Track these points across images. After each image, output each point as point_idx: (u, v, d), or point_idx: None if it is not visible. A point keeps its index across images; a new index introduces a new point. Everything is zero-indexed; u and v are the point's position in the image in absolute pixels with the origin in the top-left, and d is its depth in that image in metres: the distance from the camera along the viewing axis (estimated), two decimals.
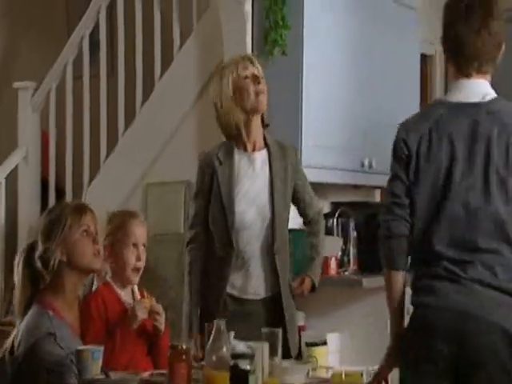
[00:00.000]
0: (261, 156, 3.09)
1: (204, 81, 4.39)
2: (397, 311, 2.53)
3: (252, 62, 3.06)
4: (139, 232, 2.84)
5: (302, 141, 3.97)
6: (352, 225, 4.33)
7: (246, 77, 3.00)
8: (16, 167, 4.96)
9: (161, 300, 4.30)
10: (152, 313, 2.68)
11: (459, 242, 2.35)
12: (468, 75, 2.38)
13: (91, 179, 4.82)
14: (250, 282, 3.06)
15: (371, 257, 4.37)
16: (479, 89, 2.38)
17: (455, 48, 2.40)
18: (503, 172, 2.35)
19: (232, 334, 2.53)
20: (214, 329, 2.30)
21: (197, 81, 4.41)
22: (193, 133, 4.45)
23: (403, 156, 2.41)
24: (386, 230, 2.47)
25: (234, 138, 3.09)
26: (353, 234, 4.33)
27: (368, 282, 3.88)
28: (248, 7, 4.05)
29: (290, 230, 4.08)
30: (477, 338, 2.28)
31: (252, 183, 3.07)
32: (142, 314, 2.62)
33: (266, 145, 3.12)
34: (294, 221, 4.31)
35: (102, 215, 4.55)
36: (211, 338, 2.28)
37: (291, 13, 3.92)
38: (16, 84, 5.01)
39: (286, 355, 3.04)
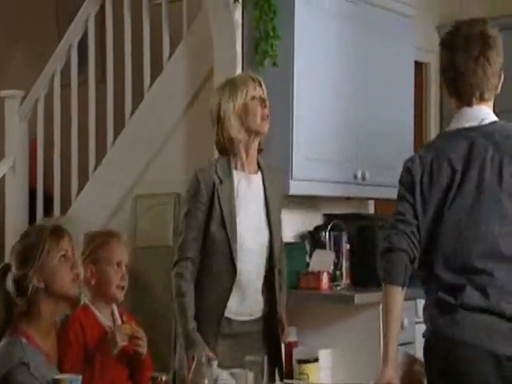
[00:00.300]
0: (257, 178, 3.03)
1: (194, 90, 4.33)
2: (392, 328, 2.47)
3: (260, 85, 3.03)
4: (122, 251, 2.79)
5: (292, 153, 3.91)
6: (345, 238, 4.27)
7: (254, 97, 2.96)
8: (3, 177, 4.89)
9: (151, 315, 4.32)
10: (133, 338, 2.60)
11: (454, 264, 2.40)
12: (470, 103, 2.45)
13: (80, 189, 4.76)
14: (244, 303, 2.98)
15: (364, 270, 4.34)
16: (479, 114, 2.46)
17: (456, 78, 2.45)
18: (496, 191, 2.40)
19: (215, 362, 2.46)
20: (194, 362, 2.23)
21: (186, 90, 4.35)
22: (182, 143, 4.39)
23: (408, 183, 2.52)
24: (387, 243, 2.46)
25: (229, 156, 3.00)
26: (345, 246, 4.27)
27: (360, 298, 3.82)
28: (238, 16, 3.99)
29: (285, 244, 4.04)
30: (470, 366, 2.30)
31: (250, 204, 2.99)
32: (121, 341, 2.55)
33: (260, 168, 3.06)
34: (288, 234, 4.28)
35: (89, 226, 4.55)
36: (192, 370, 2.21)
37: (282, 23, 3.86)
38: (3, 92, 4.95)
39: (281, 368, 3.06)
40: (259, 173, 3.03)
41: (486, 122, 2.45)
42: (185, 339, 2.81)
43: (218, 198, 2.89)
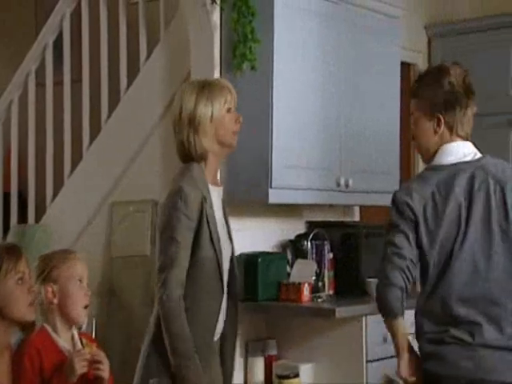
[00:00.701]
0: (220, 192, 2.85)
1: (172, 93, 4.17)
2: (403, 346, 2.60)
3: (234, 96, 2.80)
4: (83, 267, 2.67)
5: (271, 160, 3.79)
6: (327, 247, 4.15)
7: (230, 110, 2.75)
8: None
9: (126, 328, 4.20)
10: (93, 362, 2.47)
11: (468, 299, 2.48)
12: (460, 137, 2.62)
13: (55, 195, 4.63)
14: (218, 323, 2.79)
15: (348, 279, 4.23)
16: (470, 149, 2.63)
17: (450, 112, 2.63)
18: (504, 224, 2.54)
19: None
20: None
21: (164, 93, 4.22)
22: (160, 148, 4.26)
23: (410, 218, 2.54)
24: (383, 278, 2.53)
25: (200, 165, 2.76)
26: (328, 256, 4.15)
27: (341, 311, 3.71)
28: (216, 18, 3.86)
29: (258, 254, 3.93)
30: None
31: (220, 219, 2.80)
32: (80, 368, 2.42)
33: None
34: (269, 243, 4.17)
35: (64, 234, 4.44)
36: None
37: (261, 25, 3.73)
38: None
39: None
40: (221, 186, 2.85)
41: (478, 156, 2.60)
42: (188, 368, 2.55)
43: (207, 215, 2.65)
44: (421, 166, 5.29)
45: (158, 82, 4.24)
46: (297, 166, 3.89)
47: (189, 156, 2.73)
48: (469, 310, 2.46)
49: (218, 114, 2.69)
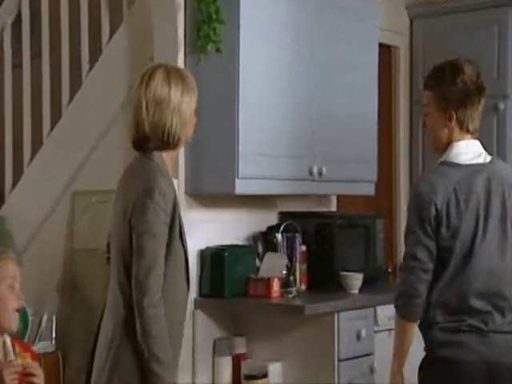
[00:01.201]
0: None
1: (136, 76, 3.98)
2: (404, 355, 2.77)
3: None
4: (15, 268, 2.50)
5: (238, 149, 3.61)
6: (299, 239, 3.97)
7: (196, 108, 2.64)
8: None
9: (88, 325, 4.01)
10: (26, 375, 2.30)
11: (482, 294, 2.69)
12: (469, 133, 2.78)
13: (14, 184, 4.44)
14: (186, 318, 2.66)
15: (322, 272, 4.06)
16: (480, 149, 2.80)
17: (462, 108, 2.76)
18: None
19: None
20: None
21: (127, 77, 4.03)
22: (123, 135, 4.04)
23: (432, 218, 2.67)
24: (413, 290, 2.69)
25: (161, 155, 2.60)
26: (300, 248, 3.98)
27: (311, 308, 3.55)
28: None
29: (225, 247, 3.75)
30: (506, 378, 2.69)
31: None
32: (10, 382, 2.24)
33: None
34: (239, 235, 3.99)
35: (24, 226, 4.25)
36: None
37: (226, 5, 3.54)
38: None
39: None
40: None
41: (488, 159, 2.79)
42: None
43: (179, 212, 2.52)
44: (402, 154, 5.19)
45: (121, 65, 4.06)
46: (266, 154, 3.71)
47: (163, 143, 2.54)
48: (482, 302, 2.68)
49: (193, 107, 2.61)
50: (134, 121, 2.56)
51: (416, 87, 4.98)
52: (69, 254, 4.16)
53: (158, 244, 2.41)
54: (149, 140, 2.53)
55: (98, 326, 2.62)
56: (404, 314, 2.70)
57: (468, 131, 2.76)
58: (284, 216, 4.22)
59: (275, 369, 3.71)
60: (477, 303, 2.67)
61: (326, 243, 4.11)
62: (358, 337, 3.70)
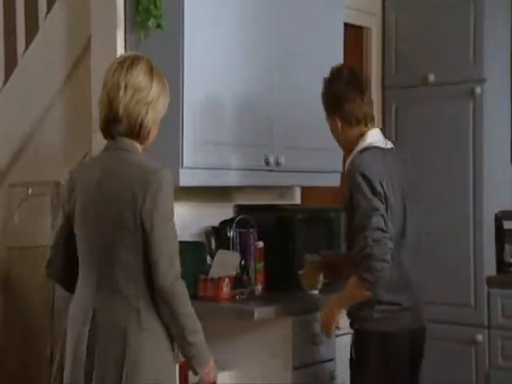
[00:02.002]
0: None
1: (75, 57, 3.72)
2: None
3: None
4: None
5: (183, 136, 3.30)
6: (253, 235, 3.67)
7: None
8: None
9: (23, 328, 3.73)
10: None
11: (415, 269, 3.13)
12: (362, 125, 3.14)
13: None
14: None
15: (282, 271, 3.76)
16: (381, 136, 3.18)
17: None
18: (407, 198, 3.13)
19: None
20: None
21: (66, 57, 3.75)
22: (63, 120, 3.78)
23: (381, 193, 2.96)
24: (385, 258, 2.89)
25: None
26: (255, 245, 3.68)
27: (262, 312, 3.26)
28: None
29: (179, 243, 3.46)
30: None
31: None
32: None
33: None
34: (190, 231, 3.70)
35: None
36: None
37: None
38: None
39: None
40: None
41: (390, 145, 3.17)
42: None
43: None
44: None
45: (60, 44, 3.77)
46: (214, 141, 3.41)
47: (133, 131, 2.56)
48: (414, 276, 3.09)
49: (162, 116, 2.66)
50: (108, 101, 2.55)
51: (389, 71, 4.81)
52: (3, 252, 3.87)
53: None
54: (120, 122, 2.54)
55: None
56: (372, 278, 2.88)
57: (358, 125, 3.10)
58: (240, 210, 3.93)
59: (225, 378, 3.42)
60: (412, 278, 3.07)
61: (286, 239, 3.83)
62: (315, 342, 3.42)
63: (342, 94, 3.08)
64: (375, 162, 3.01)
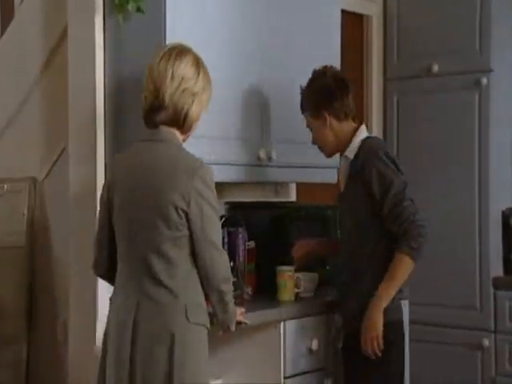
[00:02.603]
0: None
1: (53, 43, 3.51)
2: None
3: None
4: None
5: None
6: (243, 234, 3.46)
7: None
8: None
9: None
10: None
11: None
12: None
13: None
14: None
15: (273, 273, 3.51)
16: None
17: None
18: None
19: None
20: None
21: (44, 44, 3.54)
22: (40, 113, 3.58)
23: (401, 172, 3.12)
24: (426, 224, 3.01)
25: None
26: (244, 245, 3.48)
27: (250, 318, 3.01)
28: None
29: None
30: None
31: None
32: None
33: None
34: None
35: None
36: None
37: None
38: None
39: None
40: None
41: None
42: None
43: None
44: (375, 135, 4.68)
45: (37, 29, 3.55)
46: (201, 135, 3.13)
47: (176, 121, 2.63)
48: None
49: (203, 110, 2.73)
50: (155, 88, 2.59)
51: (390, 61, 4.65)
52: None
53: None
54: (165, 110, 2.58)
55: None
56: (418, 254, 2.96)
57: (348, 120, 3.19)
58: (231, 207, 3.74)
59: None
60: None
61: (279, 239, 3.63)
62: (310, 350, 3.22)
63: (330, 89, 3.15)
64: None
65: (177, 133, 2.63)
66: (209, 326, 2.61)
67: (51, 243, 3.49)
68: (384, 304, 2.98)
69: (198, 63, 2.65)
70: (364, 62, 4.68)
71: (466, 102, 4.29)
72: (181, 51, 2.63)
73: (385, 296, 2.98)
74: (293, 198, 4.14)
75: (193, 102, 2.61)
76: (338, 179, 3.37)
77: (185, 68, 2.60)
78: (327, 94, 3.15)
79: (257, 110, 3.43)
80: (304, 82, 3.61)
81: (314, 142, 3.25)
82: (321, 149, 3.25)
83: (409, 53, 4.54)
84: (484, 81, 4.23)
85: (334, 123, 3.16)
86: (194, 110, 2.62)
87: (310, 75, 3.60)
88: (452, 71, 4.35)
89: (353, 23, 4.59)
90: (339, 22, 3.87)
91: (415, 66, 4.48)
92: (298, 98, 3.56)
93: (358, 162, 3.09)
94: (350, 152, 3.14)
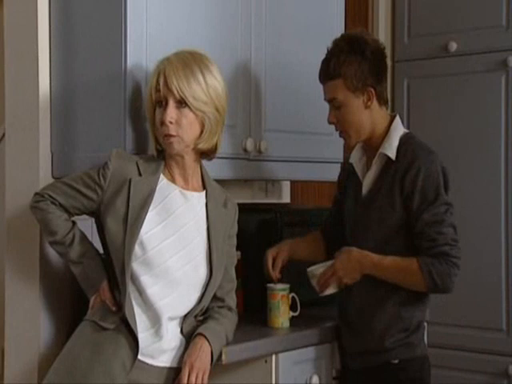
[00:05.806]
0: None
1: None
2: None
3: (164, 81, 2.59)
4: None
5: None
6: None
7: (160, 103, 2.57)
8: None
9: None
10: None
11: None
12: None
13: None
14: None
15: (263, 290, 3.06)
16: None
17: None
18: None
19: None
20: None
21: None
22: None
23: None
24: (459, 263, 2.74)
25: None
26: None
27: (231, 353, 2.61)
28: None
29: None
30: None
31: None
32: None
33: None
34: None
35: None
36: None
37: None
38: None
39: None
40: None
41: None
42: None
43: None
44: None
45: None
46: None
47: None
48: None
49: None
50: None
51: (400, 40, 4.45)
52: None
53: None
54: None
55: None
56: (440, 291, 2.71)
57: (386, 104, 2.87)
58: None
59: None
60: None
61: (269, 248, 3.19)
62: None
63: (385, 64, 2.80)
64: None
65: None
66: None
67: None
68: (368, 270, 2.68)
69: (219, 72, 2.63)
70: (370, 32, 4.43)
71: (489, 86, 4.06)
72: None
73: (373, 266, 2.68)
74: (286, 198, 3.86)
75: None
76: (341, 177, 3.00)
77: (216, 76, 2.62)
78: (381, 69, 2.78)
79: (245, 90, 3.06)
80: (301, 60, 3.29)
81: (336, 123, 2.80)
82: (346, 134, 2.80)
83: (421, 30, 4.33)
84: (511, 61, 3.99)
85: (376, 106, 2.78)
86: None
87: (308, 53, 3.26)
88: (473, 50, 4.12)
89: (357, 2, 4.48)
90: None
91: (429, 45, 4.28)
92: (295, 78, 3.25)
93: (402, 165, 2.71)
94: (389, 149, 2.74)
